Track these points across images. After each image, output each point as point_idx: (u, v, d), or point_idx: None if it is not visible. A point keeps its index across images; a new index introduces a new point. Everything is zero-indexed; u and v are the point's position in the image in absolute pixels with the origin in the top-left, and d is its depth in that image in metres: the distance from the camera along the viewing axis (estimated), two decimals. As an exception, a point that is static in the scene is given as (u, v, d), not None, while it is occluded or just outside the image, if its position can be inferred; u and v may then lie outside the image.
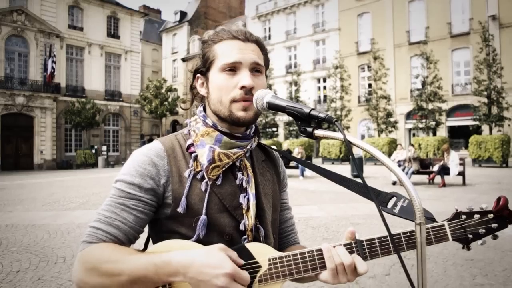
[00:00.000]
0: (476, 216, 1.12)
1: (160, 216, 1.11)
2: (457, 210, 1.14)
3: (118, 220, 1.04)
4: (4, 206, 10.11)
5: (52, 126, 31.16)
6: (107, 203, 1.07)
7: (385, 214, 0.98)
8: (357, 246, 1.08)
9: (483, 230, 1.11)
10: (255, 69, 1.13)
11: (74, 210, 9.33)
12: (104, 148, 33.08)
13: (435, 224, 1.11)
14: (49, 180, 18.99)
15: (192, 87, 1.24)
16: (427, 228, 1.10)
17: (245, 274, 0.96)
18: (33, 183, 17.44)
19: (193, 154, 1.13)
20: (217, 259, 0.93)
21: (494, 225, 1.11)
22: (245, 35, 1.15)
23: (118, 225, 1.04)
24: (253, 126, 1.23)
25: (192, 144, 1.15)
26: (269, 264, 1.04)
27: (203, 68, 1.17)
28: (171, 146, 1.15)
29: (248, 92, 1.10)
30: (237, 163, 1.17)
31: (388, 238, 1.07)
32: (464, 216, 1.12)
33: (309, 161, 1.44)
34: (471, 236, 1.12)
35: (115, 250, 1.00)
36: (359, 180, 1.09)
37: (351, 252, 1.06)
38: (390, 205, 1.10)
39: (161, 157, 1.11)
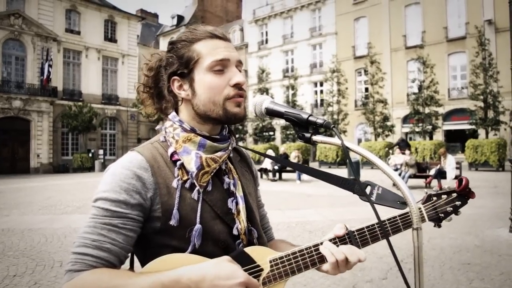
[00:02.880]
0: (444, 196, 1.24)
1: (147, 231, 1.04)
2: (426, 193, 1.25)
3: (107, 242, 0.96)
4: (0, 210, 10.06)
5: (49, 130, 31.05)
6: (90, 225, 0.98)
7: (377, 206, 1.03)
8: (349, 237, 1.13)
9: (450, 208, 1.23)
10: (238, 67, 1.12)
11: (71, 214, 9.29)
12: (101, 152, 32.94)
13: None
14: (45, 184, 18.91)
15: (169, 91, 1.15)
16: (406, 213, 1.17)
17: (256, 281, 0.97)
18: (30, 186, 17.36)
19: (178, 162, 1.07)
20: (228, 269, 0.93)
21: (457, 203, 1.24)
22: (223, 34, 1.13)
23: (108, 247, 0.95)
24: (227, 126, 1.21)
25: (175, 152, 1.09)
26: (271, 266, 1.06)
27: (185, 70, 1.10)
28: (152, 156, 1.07)
29: (241, 88, 1.09)
30: (223, 167, 1.15)
31: (375, 226, 1.14)
32: (434, 198, 1.24)
33: (306, 165, 1.46)
34: (442, 215, 1.23)
35: (113, 275, 0.92)
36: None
37: (345, 243, 1.11)
38: (367, 193, 1.15)
39: (144, 169, 1.03)
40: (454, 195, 1.24)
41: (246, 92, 1.11)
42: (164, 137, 1.14)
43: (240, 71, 1.13)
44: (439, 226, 1.25)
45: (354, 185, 1.14)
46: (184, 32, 1.14)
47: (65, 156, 32.98)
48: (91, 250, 0.94)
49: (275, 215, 8.60)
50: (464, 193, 1.24)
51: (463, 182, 1.22)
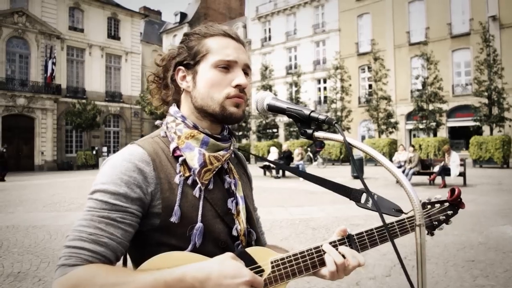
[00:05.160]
0: (437, 205, 1.29)
1: (145, 228, 0.99)
2: (421, 201, 1.23)
3: (105, 236, 0.90)
4: (5, 207, 10.11)
5: (53, 127, 31.21)
6: (86, 218, 0.92)
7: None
8: (349, 241, 1.14)
9: (443, 217, 1.28)
10: (245, 71, 1.12)
11: (75, 211, 9.31)
12: (105, 149, 33.12)
13: (410, 214, 1.23)
14: (50, 181, 19.00)
15: (172, 79, 1.15)
16: (403, 219, 1.22)
17: (260, 279, 0.95)
18: (34, 184, 17.45)
19: (181, 158, 1.05)
20: (233, 268, 0.90)
21: (449, 212, 1.28)
22: (236, 35, 1.14)
23: (105, 242, 0.90)
24: (227, 127, 1.20)
25: (177, 148, 1.06)
26: (272, 267, 1.04)
27: (191, 61, 1.10)
28: (154, 150, 1.04)
29: (242, 90, 1.09)
30: (225, 166, 1.14)
31: (374, 230, 1.19)
32: (429, 206, 1.29)
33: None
34: (436, 223, 1.28)
35: (110, 271, 0.86)
36: (358, 180, 1.12)
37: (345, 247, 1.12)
38: (363, 200, 1.17)
39: (146, 162, 1.00)
40: (446, 204, 1.29)
41: (247, 95, 1.11)
42: (165, 132, 1.12)
43: (249, 75, 1.13)
44: (432, 234, 1.29)
45: (351, 192, 1.18)
46: (199, 26, 1.15)
47: (69, 153, 33.14)
48: (88, 244, 0.89)
49: (278, 212, 8.61)
50: (455, 203, 1.28)
51: (456, 192, 1.26)
